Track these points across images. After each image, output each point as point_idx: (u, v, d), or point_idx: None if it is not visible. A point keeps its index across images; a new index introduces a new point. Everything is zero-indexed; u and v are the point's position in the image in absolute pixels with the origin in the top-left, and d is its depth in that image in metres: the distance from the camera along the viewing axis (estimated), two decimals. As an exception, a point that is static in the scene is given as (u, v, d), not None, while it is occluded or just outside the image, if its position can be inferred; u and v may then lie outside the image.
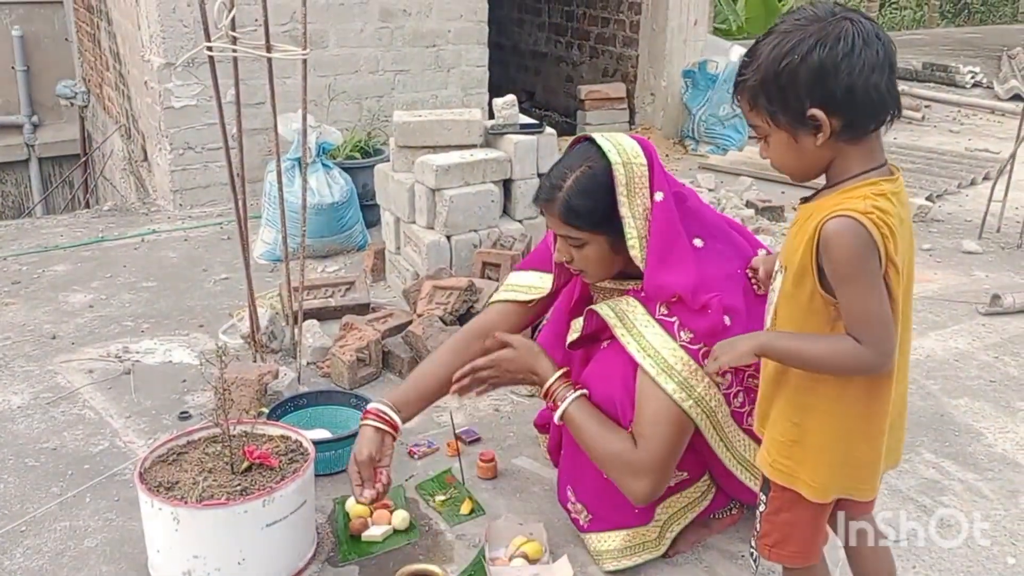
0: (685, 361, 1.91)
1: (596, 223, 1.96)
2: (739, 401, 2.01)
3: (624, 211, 1.94)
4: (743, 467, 2.08)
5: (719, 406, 1.96)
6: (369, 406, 2.24)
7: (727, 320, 1.91)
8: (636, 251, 1.95)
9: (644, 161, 1.98)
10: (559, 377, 2.10)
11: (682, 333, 1.92)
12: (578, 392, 2.06)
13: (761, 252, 2.15)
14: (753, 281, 2.02)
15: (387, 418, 2.19)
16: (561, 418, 2.07)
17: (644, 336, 1.94)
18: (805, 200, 1.62)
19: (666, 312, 1.94)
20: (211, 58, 2.70)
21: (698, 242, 2.02)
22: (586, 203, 1.95)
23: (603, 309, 2.03)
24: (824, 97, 1.52)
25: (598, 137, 2.02)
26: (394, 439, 2.21)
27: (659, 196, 1.95)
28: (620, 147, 1.97)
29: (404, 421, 2.24)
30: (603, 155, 1.97)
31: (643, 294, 1.99)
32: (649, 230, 1.94)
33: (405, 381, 2.31)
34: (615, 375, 2.00)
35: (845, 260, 1.50)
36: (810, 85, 1.52)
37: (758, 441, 1.82)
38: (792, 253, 1.59)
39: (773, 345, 1.61)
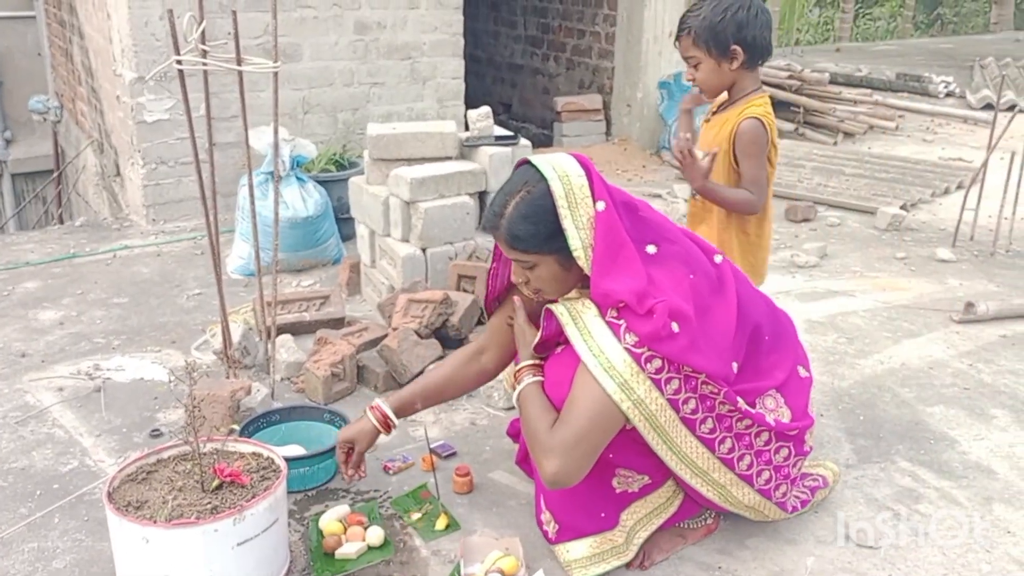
0: (628, 363, 1.94)
1: (541, 244, 2.02)
2: (690, 407, 2.02)
3: (567, 223, 1.99)
4: (693, 472, 2.09)
5: (661, 410, 1.98)
6: (376, 402, 2.43)
7: (674, 326, 1.94)
8: (582, 260, 2.00)
9: (582, 172, 2.03)
10: (529, 365, 2.18)
11: (627, 336, 1.95)
12: (536, 378, 2.14)
13: (717, 257, 2.21)
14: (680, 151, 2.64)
15: (388, 422, 2.41)
16: (516, 399, 2.17)
17: (593, 336, 1.98)
18: (715, 114, 2.81)
19: (615, 315, 1.98)
20: (181, 72, 2.68)
21: (651, 248, 2.07)
22: (528, 227, 2.01)
23: (558, 308, 2.08)
24: (740, 39, 2.60)
25: (534, 158, 2.08)
26: (383, 434, 2.45)
27: (601, 205, 2.00)
28: (555, 164, 2.04)
29: (401, 416, 2.46)
30: (542, 176, 2.01)
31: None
32: (594, 238, 1.98)
33: (412, 385, 2.51)
34: (566, 381, 2.04)
35: (749, 143, 2.64)
36: (735, 31, 2.60)
37: (712, 450, 2.07)
38: (717, 143, 2.69)
39: (708, 187, 2.65)
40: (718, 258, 2.21)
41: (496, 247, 2.24)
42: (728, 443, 2.09)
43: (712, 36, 2.62)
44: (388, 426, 2.41)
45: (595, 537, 2.16)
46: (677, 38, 2.73)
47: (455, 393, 2.56)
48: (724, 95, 2.78)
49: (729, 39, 2.61)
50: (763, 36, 2.64)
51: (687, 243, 2.18)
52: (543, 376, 2.15)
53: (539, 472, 2.04)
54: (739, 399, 2.06)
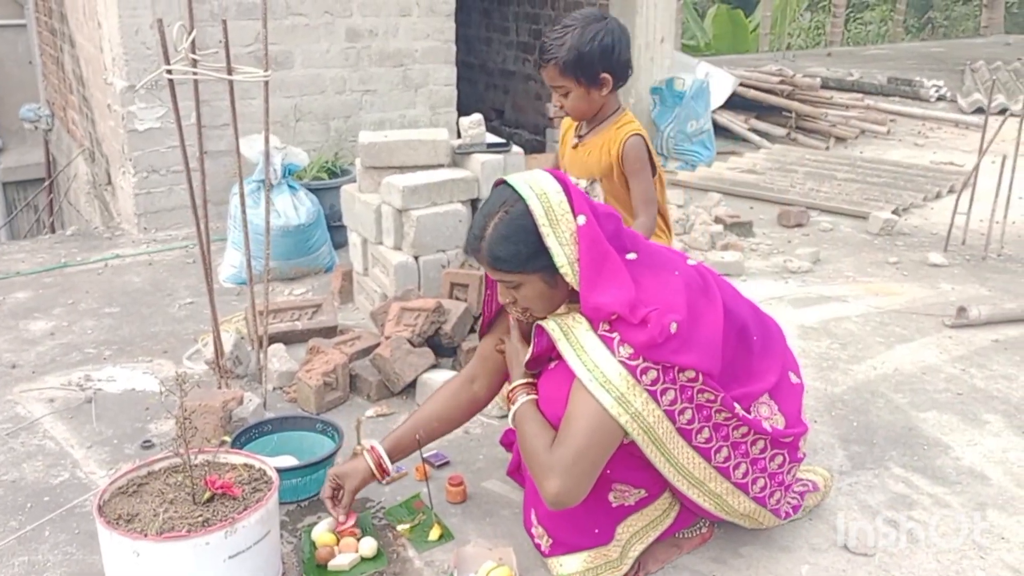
0: (623, 376, 1.93)
1: (524, 264, 2.01)
2: (687, 418, 2.01)
3: (550, 241, 1.98)
4: (689, 483, 2.08)
5: (658, 422, 1.97)
6: (373, 444, 2.37)
7: (673, 327, 1.94)
8: (569, 276, 1.99)
9: (559, 188, 2.02)
10: (522, 384, 2.17)
11: (621, 349, 1.94)
12: (530, 396, 2.13)
13: (690, 261, 2.22)
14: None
15: (382, 465, 2.34)
16: (512, 419, 2.15)
17: (586, 351, 1.97)
18: (581, 137, 2.89)
19: (608, 328, 1.97)
20: (171, 81, 2.67)
21: (632, 255, 2.07)
22: (509, 248, 2.00)
23: (549, 324, 2.07)
24: (608, 65, 2.65)
25: (510, 178, 2.07)
26: (376, 480, 2.36)
27: (582, 219, 2.00)
28: (532, 182, 2.03)
29: (394, 461, 2.38)
30: (519, 195, 2.01)
31: None
32: (578, 253, 1.98)
33: (404, 424, 2.42)
34: (560, 397, 2.03)
35: (636, 160, 2.75)
36: (602, 58, 2.63)
37: (708, 460, 2.06)
38: (599, 168, 2.82)
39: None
40: (691, 261, 2.22)
41: (485, 302, 2.28)
42: (724, 452, 2.09)
43: (580, 66, 2.63)
44: (383, 470, 2.33)
45: (590, 552, 2.14)
46: (540, 66, 2.71)
47: (449, 427, 2.47)
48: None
49: (597, 67, 2.65)
50: (627, 57, 2.70)
51: (663, 248, 2.21)
52: (537, 394, 2.14)
53: (541, 493, 2.01)
54: (736, 404, 2.06)
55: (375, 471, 2.32)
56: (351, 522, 2.32)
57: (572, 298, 2.07)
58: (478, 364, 2.42)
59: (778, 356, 2.29)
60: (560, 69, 2.65)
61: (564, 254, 1.98)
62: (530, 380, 2.17)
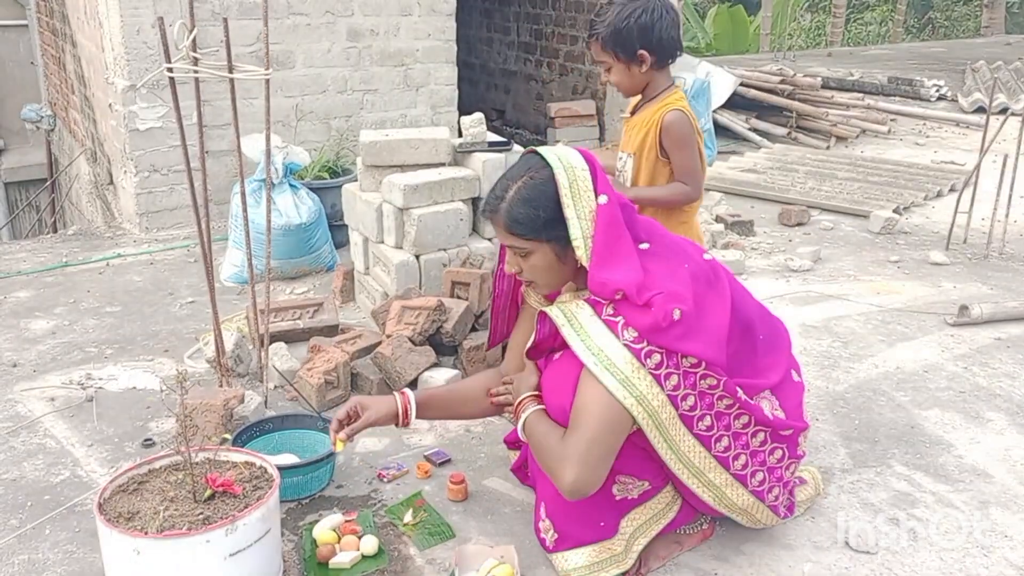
0: (628, 359, 1.93)
1: (538, 230, 2.03)
2: (689, 404, 2.01)
3: (569, 212, 2.00)
4: (690, 472, 2.08)
5: (662, 406, 1.97)
6: (405, 391, 2.37)
7: (676, 314, 1.94)
8: (581, 250, 2.00)
9: (586, 166, 2.05)
10: (529, 396, 2.18)
11: (626, 332, 1.95)
12: (538, 407, 2.14)
13: (706, 255, 2.22)
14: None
15: (407, 412, 2.32)
16: (522, 430, 2.15)
17: (590, 335, 1.98)
18: (633, 113, 2.90)
19: (612, 312, 1.98)
20: (172, 80, 2.67)
21: (644, 245, 2.08)
22: (527, 211, 2.02)
23: (553, 310, 2.07)
24: (646, 43, 2.69)
25: (540, 148, 2.10)
26: (395, 424, 2.33)
27: (603, 199, 2.02)
28: (560, 154, 2.06)
29: (419, 417, 2.37)
30: (546, 164, 2.03)
31: (591, 296, 2.03)
32: (594, 230, 1.99)
33: (439, 388, 2.47)
34: (566, 387, 2.03)
35: (679, 135, 2.74)
36: (640, 36, 2.68)
37: (708, 448, 2.05)
38: (637, 142, 2.82)
39: (639, 195, 2.77)
40: (707, 255, 2.22)
41: (496, 278, 2.26)
42: (725, 441, 2.09)
43: (618, 42, 2.71)
44: (407, 416, 2.32)
45: (594, 546, 2.15)
46: (587, 43, 2.81)
47: (475, 410, 2.45)
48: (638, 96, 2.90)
49: (635, 44, 2.70)
50: (670, 36, 2.73)
51: (679, 239, 2.21)
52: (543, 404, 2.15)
53: (557, 485, 2.01)
54: (738, 389, 2.06)
55: (400, 415, 2.31)
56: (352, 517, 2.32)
57: (577, 280, 2.08)
58: (509, 361, 2.44)
59: (783, 356, 2.29)
60: (601, 44, 2.73)
61: (580, 228, 1.99)
62: (536, 393, 2.18)
